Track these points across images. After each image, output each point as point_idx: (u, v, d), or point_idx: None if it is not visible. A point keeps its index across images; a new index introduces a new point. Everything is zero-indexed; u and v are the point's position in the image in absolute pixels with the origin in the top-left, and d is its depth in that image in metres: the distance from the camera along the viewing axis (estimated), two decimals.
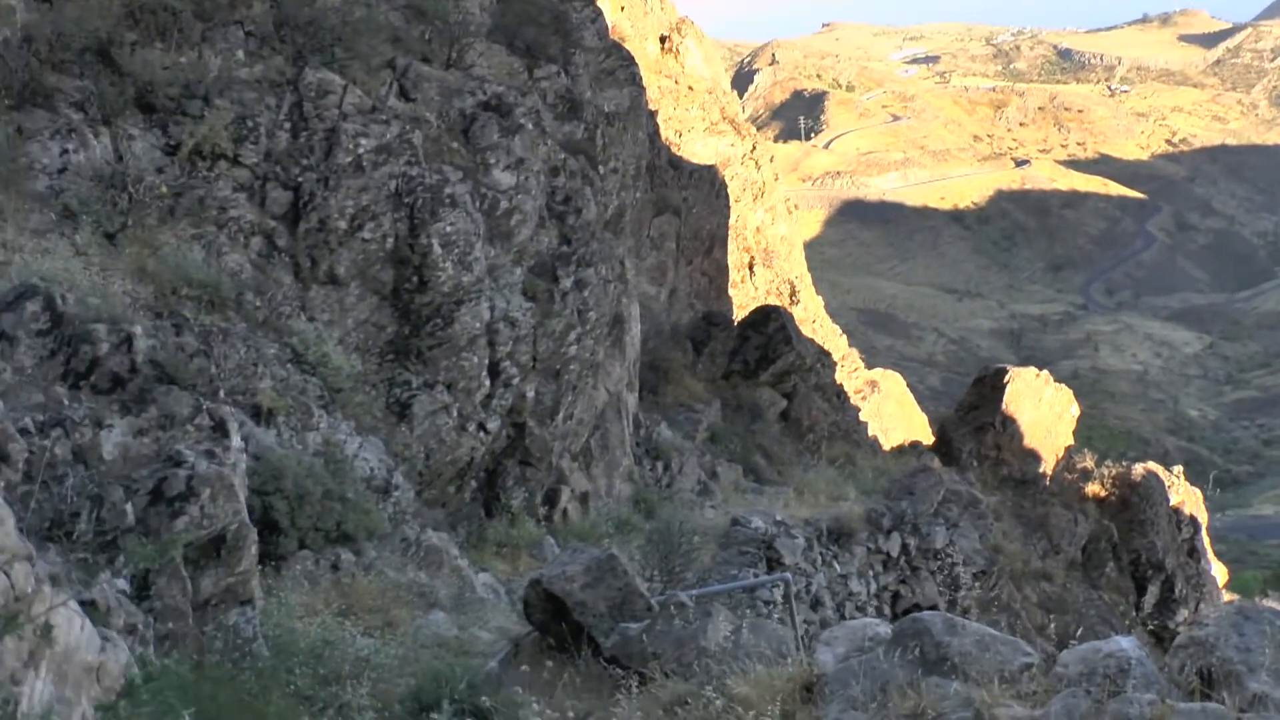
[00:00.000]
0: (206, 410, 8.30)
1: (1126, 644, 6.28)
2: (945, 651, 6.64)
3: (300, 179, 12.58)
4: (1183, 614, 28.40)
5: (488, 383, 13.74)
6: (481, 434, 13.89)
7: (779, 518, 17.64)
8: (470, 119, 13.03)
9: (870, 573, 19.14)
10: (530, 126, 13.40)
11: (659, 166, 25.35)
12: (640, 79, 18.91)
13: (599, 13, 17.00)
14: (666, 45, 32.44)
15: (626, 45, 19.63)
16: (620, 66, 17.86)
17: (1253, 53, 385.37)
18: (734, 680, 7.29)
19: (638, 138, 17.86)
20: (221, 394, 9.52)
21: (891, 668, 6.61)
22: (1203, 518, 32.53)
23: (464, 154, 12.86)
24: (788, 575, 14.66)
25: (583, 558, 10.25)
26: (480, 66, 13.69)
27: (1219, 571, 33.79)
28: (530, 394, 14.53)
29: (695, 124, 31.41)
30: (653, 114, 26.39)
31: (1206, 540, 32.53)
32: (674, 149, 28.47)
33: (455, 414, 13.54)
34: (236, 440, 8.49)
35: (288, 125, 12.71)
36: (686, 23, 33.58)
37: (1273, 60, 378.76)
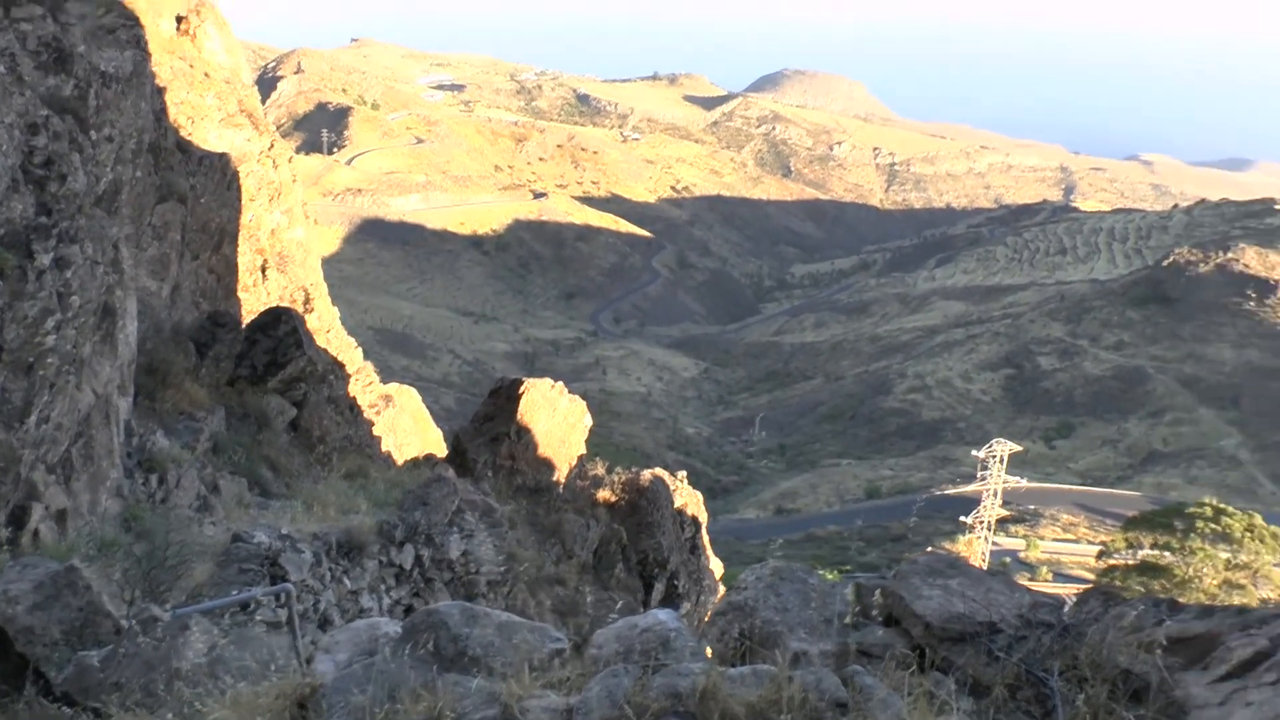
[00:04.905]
0: None
1: (664, 615, 6.06)
2: (464, 645, 6.03)
3: None
4: (685, 607, 30.25)
5: None
6: None
7: (285, 531, 16.53)
8: None
9: (383, 587, 18.42)
10: (3, 70, 11.35)
11: (165, 148, 23.06)
12: (145, 43, 16.89)
13: None
14: (183, 27, 29.88)
15: (140, 19, 17.54)
16: (122, 25, 15.81)
17: (743, 119, 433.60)
18: (212, 704, 6.16)
19: (140, 108, 15.90)
20: None
21: (402, 669, 5.91)
22: (703, 518, 35.03)
23: None
24: (288, 585, 13.62)
25: (34, 574, 8.67)
26: None
27: (717, 566, 36.49)
28: None
29: (210, 113, 29.14)
30: (161, 91, 24.07)
31: (706, 539, 35.07)
32: (184, 134, 26.20)
33: None
34: None
35: None
36: (207, 5, 31.22)
37: (758, 127, 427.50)
